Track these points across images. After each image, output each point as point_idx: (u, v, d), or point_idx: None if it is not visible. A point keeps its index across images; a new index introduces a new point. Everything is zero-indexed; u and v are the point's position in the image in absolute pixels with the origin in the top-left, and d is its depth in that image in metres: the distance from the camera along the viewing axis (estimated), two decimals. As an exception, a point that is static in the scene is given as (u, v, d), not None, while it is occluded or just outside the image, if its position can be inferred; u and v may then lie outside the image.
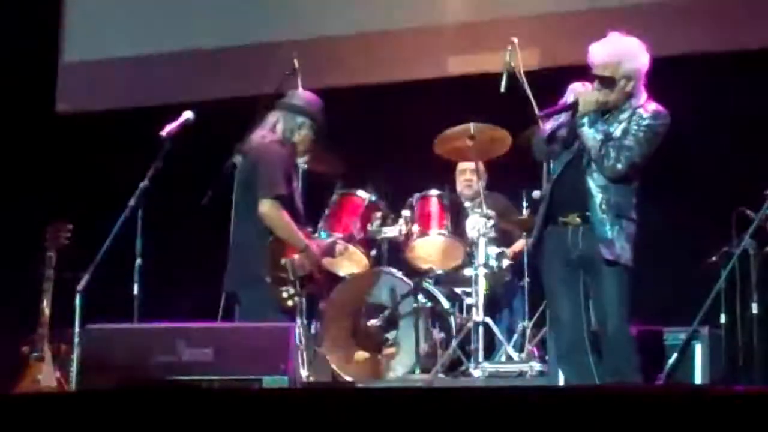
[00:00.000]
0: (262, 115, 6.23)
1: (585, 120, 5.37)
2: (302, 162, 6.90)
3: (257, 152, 6.02)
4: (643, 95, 5.43)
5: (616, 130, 5.36)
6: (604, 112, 5.42)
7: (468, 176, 7.56)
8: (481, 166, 7.44)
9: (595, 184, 5.36)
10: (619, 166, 5.30)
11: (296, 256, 5.91)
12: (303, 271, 5.92)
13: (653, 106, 5.40)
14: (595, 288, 5.38)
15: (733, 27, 7.73)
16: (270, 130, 6.09)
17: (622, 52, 5.40)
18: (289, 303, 5.87)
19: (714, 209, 6.68)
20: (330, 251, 6.44)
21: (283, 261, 5.87)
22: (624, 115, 5.39)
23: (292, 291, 5.88)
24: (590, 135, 5.35)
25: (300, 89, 6.39)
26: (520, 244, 7.40)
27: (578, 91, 5.44)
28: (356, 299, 6.93)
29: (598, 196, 5.34)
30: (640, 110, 5.38)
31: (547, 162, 5.68)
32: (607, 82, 5.37)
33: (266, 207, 5.86)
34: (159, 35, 9.10)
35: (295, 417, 3.75)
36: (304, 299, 6.69)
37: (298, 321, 6.65)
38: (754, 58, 7.42)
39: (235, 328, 5.64)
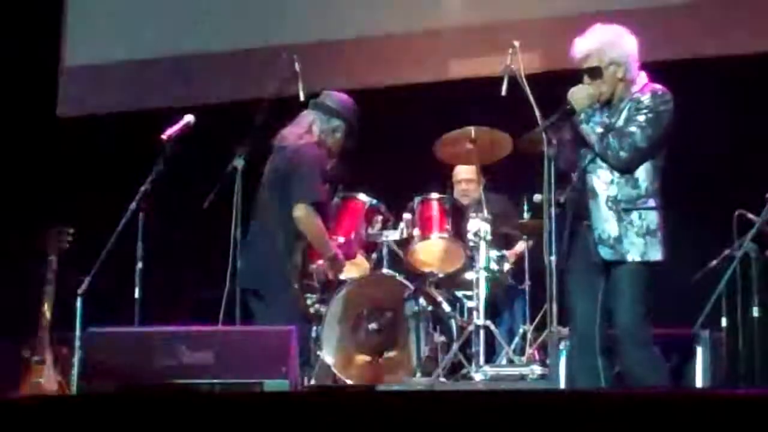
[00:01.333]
0: (263, 118, 6.23)
1: (582, 117, 5.32)
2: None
3: (296, 153, 5.98)
4: (642, 81, 5.36)
5: (618, 121, 5.30)
6: (605, 105, 5.37)
7: (464, 186, 7.58)
8: (475, 170, 7.43)
9: (600, 181, 5.31)
10: (623, 154, 5.22)
11: (320, 262, 5.91)
12: (326, 278, 5.93)
13: (652, 87, 5.33)
14: (606, 289, 5.33)
15: (734, 31, 7.74)
16: (306, 131, 6.06)
17: (603, 39, 5.36)
18: (311, 310, 5.88)
19: (715, 212, 6.68)
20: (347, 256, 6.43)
21: (311, 267, 5.88)
22: (624, 104, 5.33)
23: (315, 298, 5.90)
24: (589, 131, 5.30)
25: (332, 91, 6.34)
26: (520, 247, 7.40)
27: (570, 92, 5.39)
28: (357, 303, 6.92)
29: (603, 195, 5.30)
30: (638, 95, 5.32)
31: (575, 171, 5.52)
32: (595, 73, 5.31)
33: (303, 212, 5.85)
34: (160, 39, 9.11)
35: (296, 420, 3.75)
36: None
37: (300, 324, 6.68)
38: (755, 61, 7.42)
39: (236, 331, 5.63)
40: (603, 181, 5.31)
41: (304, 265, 5.86)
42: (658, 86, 5.33)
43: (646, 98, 5.29)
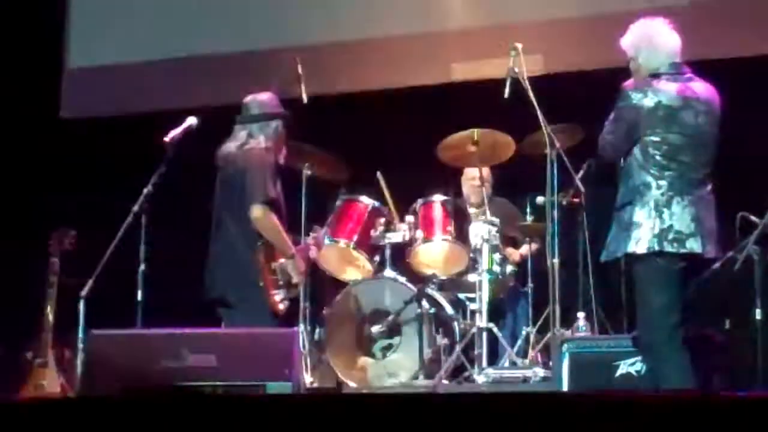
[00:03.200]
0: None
1: None
2: (306, 168, 6.94)
3: (243, 160, 6.07)
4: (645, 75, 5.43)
5: None
6: None
7: (477, 182, 7.52)
8: (487, 171, 7.45)
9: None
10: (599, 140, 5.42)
11: (282, 260, 5.97)
12: (289, 276, 5.98)
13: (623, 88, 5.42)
14: None
15: (737, 32, 7.73)
16: (249, 144, 6.13)
17: (626, 36, 5.53)
18: (281, 306, 5.93)
19: (718, 214, 6.66)
20: (307, 256, 6.43)
21: (273, 265, 5.94)
22: None
23: (283, 295, 5.93)
24: None
25: (251, 96, 6.34)
26: (525, 249, 7.41)
27: None
28: (360, 305, 6.92)
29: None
30: None
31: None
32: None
33: (259, 212, 5.92)
34: (162, 41, 9.10)
35: (298, 422, 3.75)
36: (307, 305, 6.73)
37: (302, 327, 6.68)
38: (758, 63, 7.42)
39: (239, 333, 5.64)
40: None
41: (266, 263, 5.92)
42: (628, 85, 5.37)
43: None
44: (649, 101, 5.26)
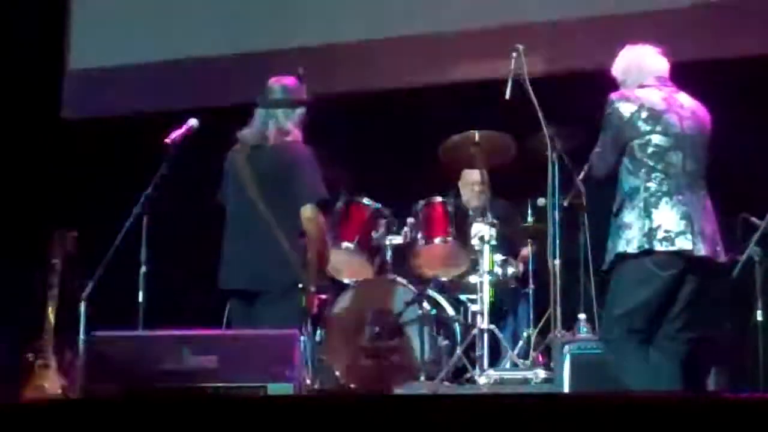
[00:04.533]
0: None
1: None
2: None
3: (291, 152, 5.89)
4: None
5: None
6: None
7: (477, 188, 7.52)
8: (484, 174, 7.44)
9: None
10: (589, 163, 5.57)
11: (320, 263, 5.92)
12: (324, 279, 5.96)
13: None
14: None
15: (740, 33, 7.74)
16: (282, 130, 5.95)
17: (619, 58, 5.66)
18: (315, 310, 5.88)
19: (719, 216, 6.67)
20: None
21: (317, 268, 5.88)
22: None
23: (323, 298, 5.92)
24: None
25: (275, 78, 6.11)
26: (526, 251, 7.41)
27: None
28: (361, 307, 6.92)
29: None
30: None
31: None
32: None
33: (312, 212, 5.79)
34: (164, 43, 9.12)
35: (300, 424, 3.75)
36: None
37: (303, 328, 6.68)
38: (760, 64, 7.42)
39: (240, 335, 5.63)
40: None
41: (314, 266, 5.84)
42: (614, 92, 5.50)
43: None
44: (632, 106, 5.36)
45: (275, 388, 5.10)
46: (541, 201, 6.74)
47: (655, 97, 5.39)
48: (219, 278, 5.95)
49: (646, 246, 5.19)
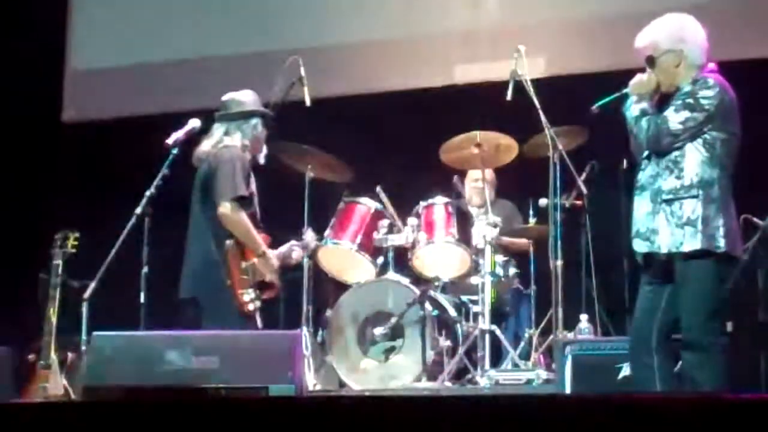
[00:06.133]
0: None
1: (628, 103, 5.26)
2: (309, 171, 6.92)
3: (215, 158, 6.07)
4: (704, 71, 5.23)
5: (667, 108, 5.18)
6: (663, 99, 5.25)
7: (479, 184, 7.50)
8: (491, 174, 7.44)
9: (645, 174, 5.19)
10: (649, 133, 5.10)
11: (255, 260, 5.96)
12: (260, 276, 5.97)
13: (702, 75, 5.19)
14: (671, 288, 5.17)
15: (744, 34, 7.73)
16: (224, 142, 6.13)
17: (658, 29, 5.28)
18: (250, 307, 5.91)
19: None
20: (287, 257, 6.40)
21: (243, 265, 5.93)
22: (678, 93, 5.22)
23: (253, 295, 5.92)
24: (629, 115, 5.22)
25: (230, 93, 6.35)
26: (524, 242, 7.41)
27: (632, 79, 5.32)
28: (363, 307, 6.92)
29: (649, 188, 5.16)
30: (690, 83, 5.20)
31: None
32: (650, 62, 5.23)
33: (227, 208, 5.94)
34: (164, 44, 9.12)
35: (301, 425, 3.75)
36: (310, 307, 6.72)
37: (305, 329, 6.68)
38: (759, 65, 7.42)
39: (242, 336, 5.63)
40: (648, 174, 5.18)
41: (235, 262, 5.91)
42: (710, 76, 5.20)
43: (691, 85, 5.17)
44: (725, 95, 5.15)
45: (277, 389, 5.10)
46: (542, 202, 6.73)
47: (730, 89, 5.21)
48: None
49: (726, 248, 5.02)
